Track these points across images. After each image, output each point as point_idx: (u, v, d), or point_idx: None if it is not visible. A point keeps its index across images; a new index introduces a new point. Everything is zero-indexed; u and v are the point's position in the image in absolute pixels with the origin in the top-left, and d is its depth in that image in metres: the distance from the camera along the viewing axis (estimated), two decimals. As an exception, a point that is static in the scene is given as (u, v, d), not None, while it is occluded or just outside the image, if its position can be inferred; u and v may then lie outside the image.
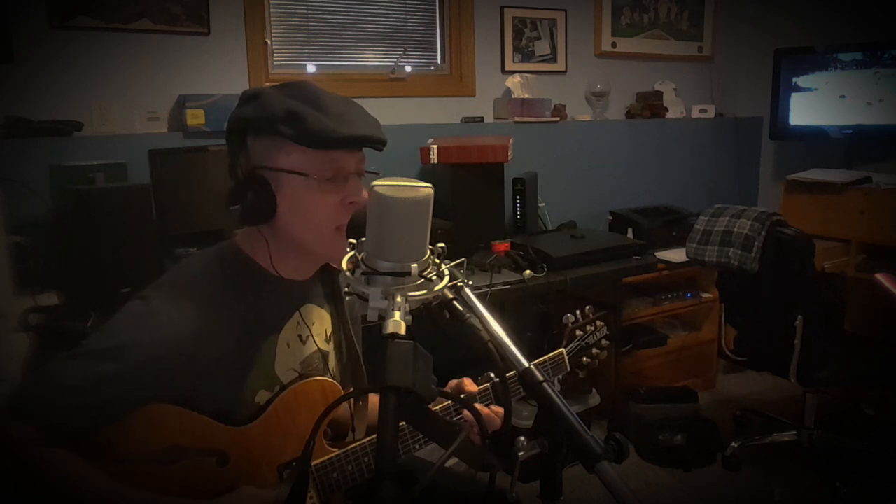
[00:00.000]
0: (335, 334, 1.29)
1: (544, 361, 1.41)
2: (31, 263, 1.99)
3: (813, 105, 3.51)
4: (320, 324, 1.24)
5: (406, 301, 0.80)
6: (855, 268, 3.17)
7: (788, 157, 3.88)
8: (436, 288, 0.84)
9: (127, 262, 1.98)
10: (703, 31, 3.93)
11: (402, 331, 0.76)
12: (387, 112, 2.83)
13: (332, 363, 1.27)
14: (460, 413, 1.26)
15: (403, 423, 1.12)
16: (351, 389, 1.30)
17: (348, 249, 0.86)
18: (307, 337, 1.21)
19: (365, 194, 1.06)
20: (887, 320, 2.42)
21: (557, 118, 3.36)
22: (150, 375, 0.99)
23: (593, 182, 3.53)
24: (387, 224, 0.81)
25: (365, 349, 1.33)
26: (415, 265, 0.82)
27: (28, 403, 0.95)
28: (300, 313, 1.20)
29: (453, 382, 1.32)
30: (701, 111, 3.84)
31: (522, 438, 0.85)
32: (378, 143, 1.11)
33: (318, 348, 1.24)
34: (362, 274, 0.83)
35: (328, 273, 1.27)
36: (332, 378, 1.24)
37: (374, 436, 1.17)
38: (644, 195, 3.63)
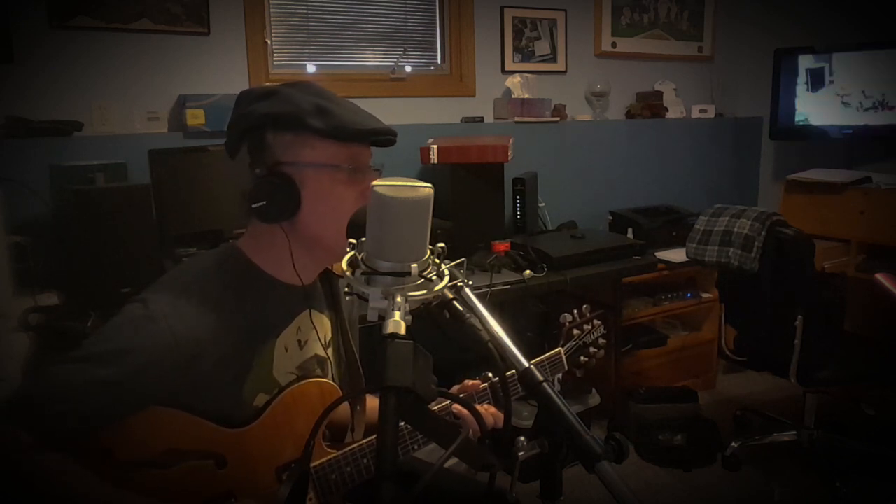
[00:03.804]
0: (334, 339, 1.29)
1: (542, 361, 1.41)
2: (31, 263, 1.99)
3: (813, 105, 3.52)
4: (320, 329, 1.24)
5: (406, 301, 0.80)
6: (855, 268, 3.17)
7: (788, 157, 3.88)
8: (436, 288, 0.84)
9: (127, 262, 1.98)
10: (703, 31, 3.93)
11: (402, 331, 0.76)
12: (387, 112, 2.81)
13: (330, 368, 1.27)
14: (455, 411, 1.26)
15: (403, 423, 1.11)
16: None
17: (348, 249, 0.86)
18: (306, 342, 1.21)
19: None
20: (887, 320, 2.42)
21: (557, 118, 3.35)
22: (148, 379, 0.99)
23: (593, 182, 3.53)
24: (387, 224, 0.81)
25: (363, 354, 1.33)
26: (415, 265, 0.82)
27: (24, 408, 0.94)
28: (301, 318, 1.19)
29: (455, 388, 1.32)
30: (701, 111, 3.84)
31: (522, 438, 0.85)
32: (393, 136, 1.14)
33: (316, 353, 1.23)
34: (362, 274, 0.83)
35: (329, 278, 1.27)
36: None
37: (373, 437, 1.18)
38: (644, 195, 3.63)
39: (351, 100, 1.16)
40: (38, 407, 0.94)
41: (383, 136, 1.13)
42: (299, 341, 1.20)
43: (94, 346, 0.99)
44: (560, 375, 1.46)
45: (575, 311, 1.47)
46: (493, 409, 1.29)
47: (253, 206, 1.06)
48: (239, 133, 1.11)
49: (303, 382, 1.17)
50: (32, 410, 0.94)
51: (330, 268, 1.26)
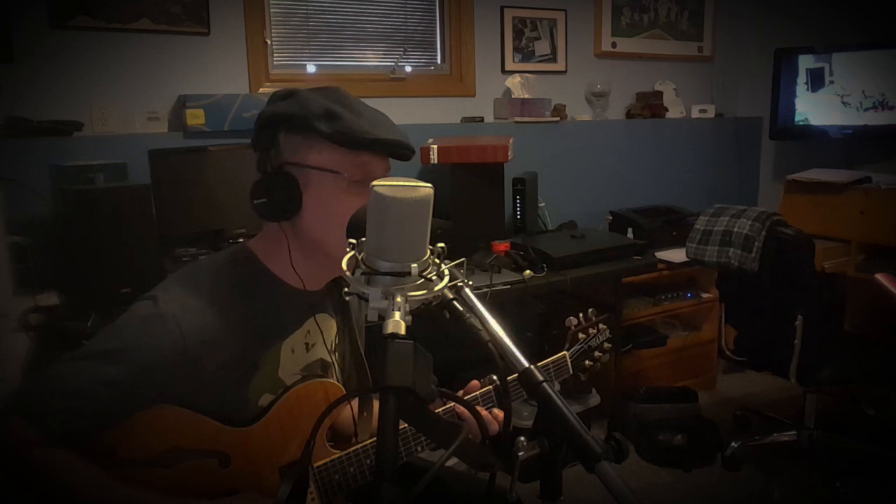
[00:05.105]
0: (340, 344, 1.29)
1: (547, 364, 1.40)
2: (31, 263, 2.00)
3: (813, 105, 3.52)
4: (326, 333, 1.24)
5: (406, 301, 0.80)
6: (855, 268, 3.17)
7: (788, 157, 3.88)
8: (436, 288, 0.83)
9: (127, 262, 1.98)
10: (703, 31, 3.93)
11: (402, 331, 0.76)
12: (387, 112, 2.81)
13: (334, 372, 1.27)
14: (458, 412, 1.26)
15: (405, 424, 1.11)
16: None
17: (348, 249, 0.86)
18: (313, 345, 1.21)
19: None
20: (887, 320, 2.43)
21: (557, 118, 3.35)
22: (154, 378, 0.99)
23: (593, 182, 3.53)
24: (387, 224, 0.81)
25: (369, 357, 1.33)
26: (415, 265, 0.81)
27: (29, 404, 0.94)
28: (310, 321, 1.19)
29: (460, 392, 1.32)
30: (701, 111, 3.84)
31: (522, 438, 0.85)
32: (407, 150, 1.13)
33: (322, 357, 1.23)
34: (362, 274, 0.83)
35: (337, 284, 1.27)
36: None
37: (375, 438, 1.18)
38: (644, 195, 3.63)
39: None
40: (43, 404, 0.94)
41: (391, 148, 1.11)
42: (307, 344, 1.20)
43: (102, 343, 1.00)
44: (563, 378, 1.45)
45: (580, 315, 1.45)
46: (500, 413, 1.27)
47: (254, 201, 1.07)
48: (257, 131, 1.13)
49: (307, 382, 1.17)
50: (38, 407, 0.94)
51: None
